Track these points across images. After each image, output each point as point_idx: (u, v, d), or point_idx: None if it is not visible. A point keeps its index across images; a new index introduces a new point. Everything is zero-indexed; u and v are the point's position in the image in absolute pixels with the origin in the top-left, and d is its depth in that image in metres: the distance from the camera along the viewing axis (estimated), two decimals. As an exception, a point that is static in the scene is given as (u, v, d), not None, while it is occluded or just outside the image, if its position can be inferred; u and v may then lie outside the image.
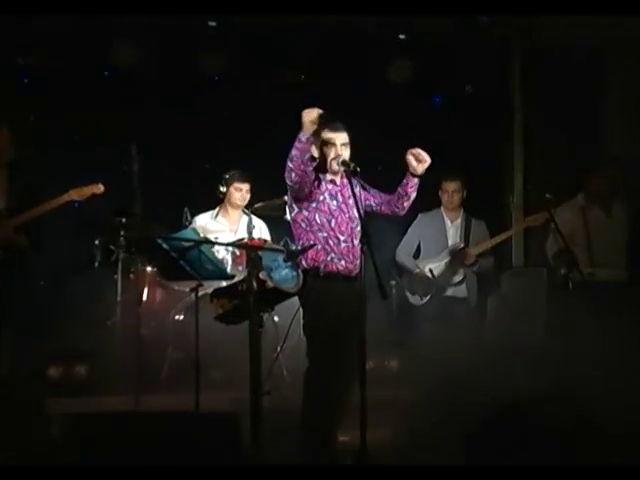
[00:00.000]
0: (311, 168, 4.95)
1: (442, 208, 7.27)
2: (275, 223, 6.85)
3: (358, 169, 4.89)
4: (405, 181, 5.11)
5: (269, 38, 8.10)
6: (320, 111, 4.79)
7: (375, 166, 7.37)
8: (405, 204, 5.20)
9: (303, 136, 4.82)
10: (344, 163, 4.94)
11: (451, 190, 7.16)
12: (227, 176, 7.04)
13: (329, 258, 5.03)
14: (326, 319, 4.96)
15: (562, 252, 6.42)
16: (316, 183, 5.09)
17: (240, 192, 7.02)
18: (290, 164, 4.90)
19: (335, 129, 5.08)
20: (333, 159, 5.06)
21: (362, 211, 5.01)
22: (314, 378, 5.02)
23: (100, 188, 6.61)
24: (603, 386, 5.45)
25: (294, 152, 4.86)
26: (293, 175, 4.92)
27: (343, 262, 5.05)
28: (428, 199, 7.20)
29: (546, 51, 8.41)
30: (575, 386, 5.19)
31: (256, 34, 8.09)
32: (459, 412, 5.13)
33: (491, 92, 8.71)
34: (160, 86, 8.14)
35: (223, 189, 7.06)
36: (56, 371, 6.25)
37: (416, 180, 5.09)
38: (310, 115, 4.79)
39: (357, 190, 5.09)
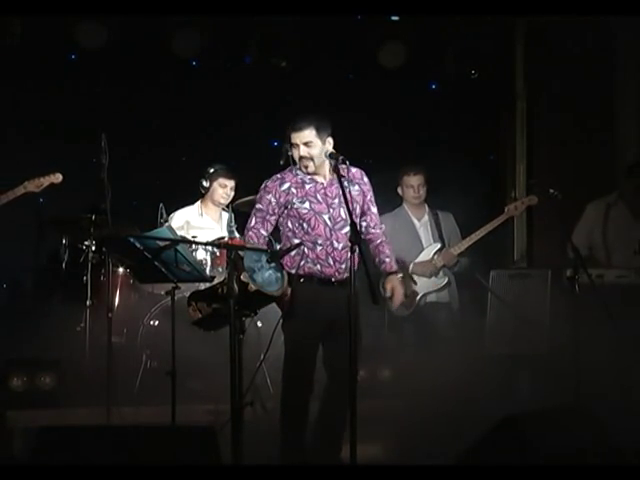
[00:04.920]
0: None
1: (405, 205, 7.17)
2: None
3: (347, 161, 4.93)
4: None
5: (251, 19, 8.01)
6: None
7: (366, 159, 7.37)
8: None
9: None
10: (331, 155, 4.96)
11: (417, 184, 7.04)
12: (211, 170, 6.94)
13: (302, 262, 5.05)
14: (300, 324, 5.02)
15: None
16: (285, 187, 5.09)
17: (224, 189, 6.93)
18: None
19: (294, 129, 5.06)
20: (300, 160, 5.05)
21: (358, 209, 5.11)
22: (289, 389, 5.09)
23: (58, 177, 6.55)
24: (617, 404, 5.48)
25: None
26: None
27: (318, 266, 5.06)
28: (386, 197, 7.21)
29: (552, 32, 8.40)
30: (585, 403, 5.20)
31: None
32: (456, 431, 5.14)
33: (491, 78, 8.72)
34: (132, 71, 8.02)
35: (206, 184, 6.96)
36: (19, 381, 6.22)
37: None
38: None
39: (350, 188, 5.02)
